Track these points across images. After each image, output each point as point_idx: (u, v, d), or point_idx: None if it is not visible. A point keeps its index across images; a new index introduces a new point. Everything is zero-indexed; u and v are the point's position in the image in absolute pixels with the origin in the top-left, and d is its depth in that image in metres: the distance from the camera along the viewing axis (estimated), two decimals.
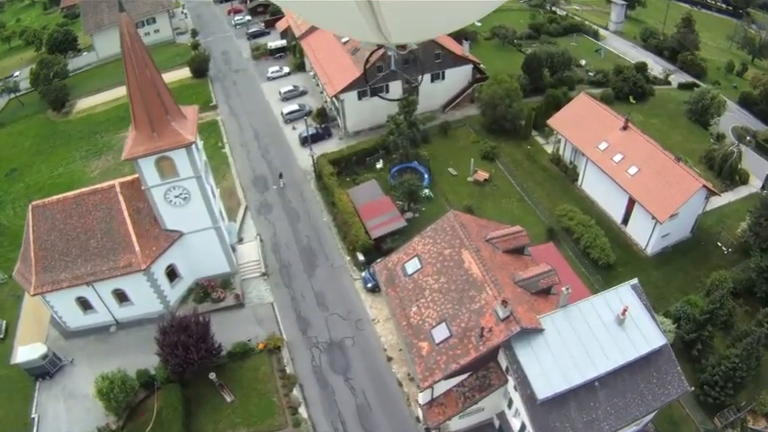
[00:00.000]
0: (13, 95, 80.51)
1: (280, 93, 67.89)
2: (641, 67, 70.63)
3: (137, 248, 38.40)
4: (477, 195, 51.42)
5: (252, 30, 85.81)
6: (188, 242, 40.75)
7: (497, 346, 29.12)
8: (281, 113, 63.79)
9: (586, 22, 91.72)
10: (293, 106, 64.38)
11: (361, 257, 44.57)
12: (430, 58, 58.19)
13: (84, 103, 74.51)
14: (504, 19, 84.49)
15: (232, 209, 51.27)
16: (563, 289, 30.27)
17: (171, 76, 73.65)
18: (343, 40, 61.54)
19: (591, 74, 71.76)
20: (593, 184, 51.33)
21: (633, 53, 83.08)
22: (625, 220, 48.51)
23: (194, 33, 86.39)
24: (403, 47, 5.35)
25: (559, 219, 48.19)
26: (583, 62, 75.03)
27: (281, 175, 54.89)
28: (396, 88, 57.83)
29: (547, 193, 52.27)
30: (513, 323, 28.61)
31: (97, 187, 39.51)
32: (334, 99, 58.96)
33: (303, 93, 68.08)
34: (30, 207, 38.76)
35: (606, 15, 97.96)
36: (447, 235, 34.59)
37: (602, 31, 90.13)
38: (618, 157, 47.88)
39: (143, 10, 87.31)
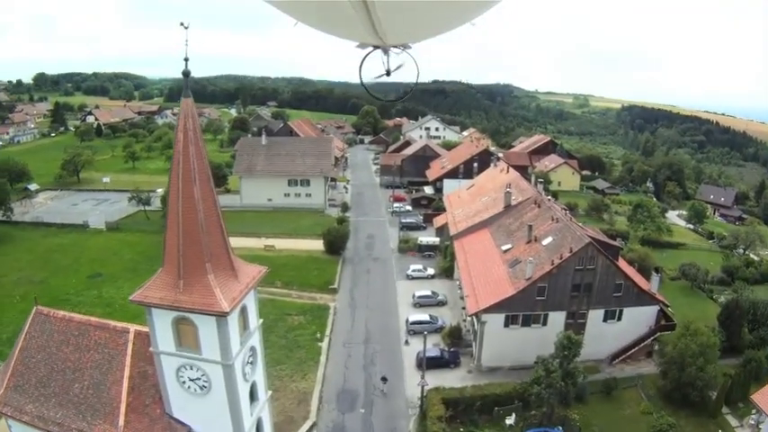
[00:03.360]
0: (143, 208, 79.73)
1: (413, 296, 55.57)
2: None
3: (120, 423, 25.48)
4: None
5: (407, 220, 78.61)
6: None
7: None
8: (406, 321, 50.62)
9: None
10: (423, 315, 51.13)
11: None
12: (609, 289, 43.69)
13: None
14: (693, 257, 71.25)
15: (293, 421, 36.63)
16: None
17: (302, 244, 69.09)
18: (504, 247, 49.27)
19: None
20: None
21: None
22: None
23: (345, 208, 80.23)
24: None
25: None
26: None
27: (384, 379, 41.20)
28: (558, 320, 42.96)
29: None
30: None
31: (109, 323, 28.42)
32: (474, 318, 45.02)
33: (441, 302, 54.92)
34: (34, 310, 29.48)
35: None
36: None
37: None
38: None
39: (300, 169, 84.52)
